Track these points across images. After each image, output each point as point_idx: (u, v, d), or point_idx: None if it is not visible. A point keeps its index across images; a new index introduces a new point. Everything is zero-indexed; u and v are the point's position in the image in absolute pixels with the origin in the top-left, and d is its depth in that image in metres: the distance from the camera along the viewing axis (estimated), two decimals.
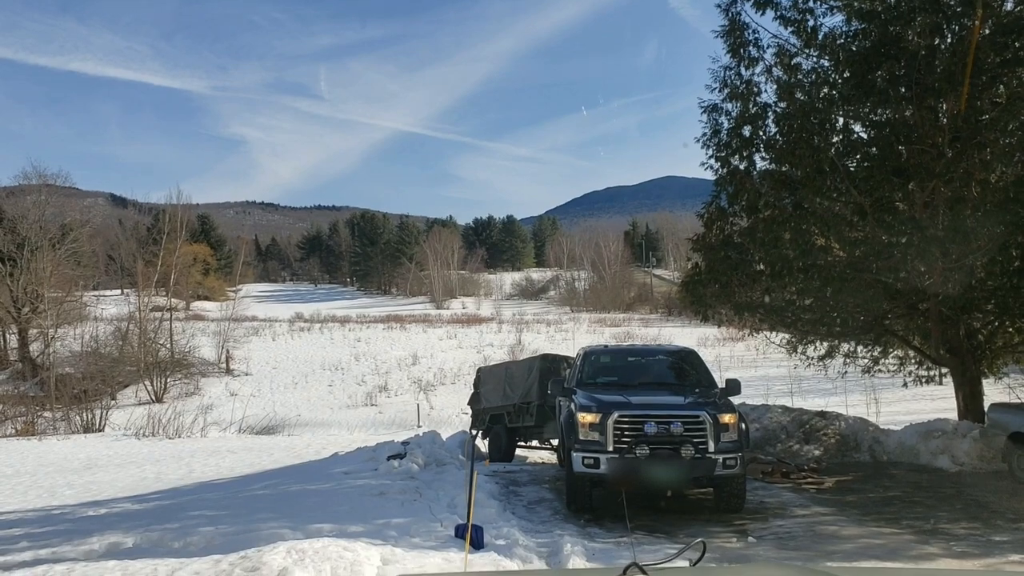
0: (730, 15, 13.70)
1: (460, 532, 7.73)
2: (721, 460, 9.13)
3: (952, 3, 11.75)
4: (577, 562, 7.06)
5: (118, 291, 75.28)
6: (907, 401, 25.51)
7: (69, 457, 21.14)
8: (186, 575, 5.88)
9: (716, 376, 11.45)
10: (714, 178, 14.29)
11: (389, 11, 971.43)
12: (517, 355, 43.43)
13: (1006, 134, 11.45)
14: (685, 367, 11.45)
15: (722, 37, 13.82)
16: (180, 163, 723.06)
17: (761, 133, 13.74)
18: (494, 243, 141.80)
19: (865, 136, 13.35)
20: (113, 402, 36.91)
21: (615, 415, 9.26)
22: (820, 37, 13.29)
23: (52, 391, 36.14)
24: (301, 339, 62.17)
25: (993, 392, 15.61)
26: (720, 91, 13.82)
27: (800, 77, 13.53)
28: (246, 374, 49.54)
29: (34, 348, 46.12)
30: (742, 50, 13.68)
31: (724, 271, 14.00)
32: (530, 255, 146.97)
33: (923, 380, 16.03)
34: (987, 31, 11.51)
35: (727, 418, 9.38)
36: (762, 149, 13.83)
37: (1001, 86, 11.71)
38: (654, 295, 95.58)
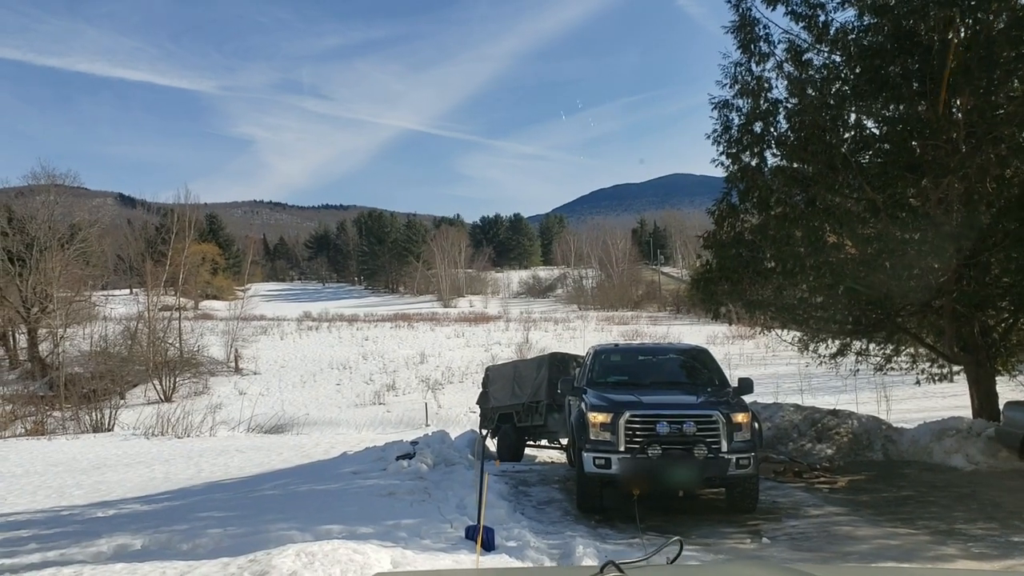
0: (740, 11, 13.56)
1: (470, 534, 7.64)
2: (734, 460, 9.03)
3: None
4: (588, 564, 6.97)
5: (127, 291, 75.35)
6: (917, 399, 25.32)
7: (78, 457, 21.16)
8: None
9: (727, 374, 11.35)
10: (724, 175, 14.16)
11: (394, 11, 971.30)
12: (525, 354, 43.33)
13: (1023, 129, 11.30)
14: (697, 366, 11.34)
15: (732, 33, 13.68)
16: (188, 163, 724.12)
17: (772, 129, 13.61)
18: (501, 241, 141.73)
19: (877, 132, 13.22)
20: (122, 401, 36.97)
21: (627, 415, 9.16)
22: (832, 32, 13.16)
23: (61, 391, 36.19)
24: (309, 338, 62.22)
25: (1006, 390, 15.45)
26: (730, 87, 13.69)
27: (811, 73, 13.39)
28: (255, 373, 49.59)
29: (43, 348, 46.18)
30: (752, 46, 13.53)
31: (735, 268, 13.88)
32: (537, 253, 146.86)
33: (936, 378, 15.88)
34: (1001, 25, 11.36)
35: (740, 417, 9.27)
36: (773, 145, 13.70)
37: (1016, 80, 11.56)
38: (662, 293, 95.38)
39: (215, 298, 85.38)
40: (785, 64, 13.50)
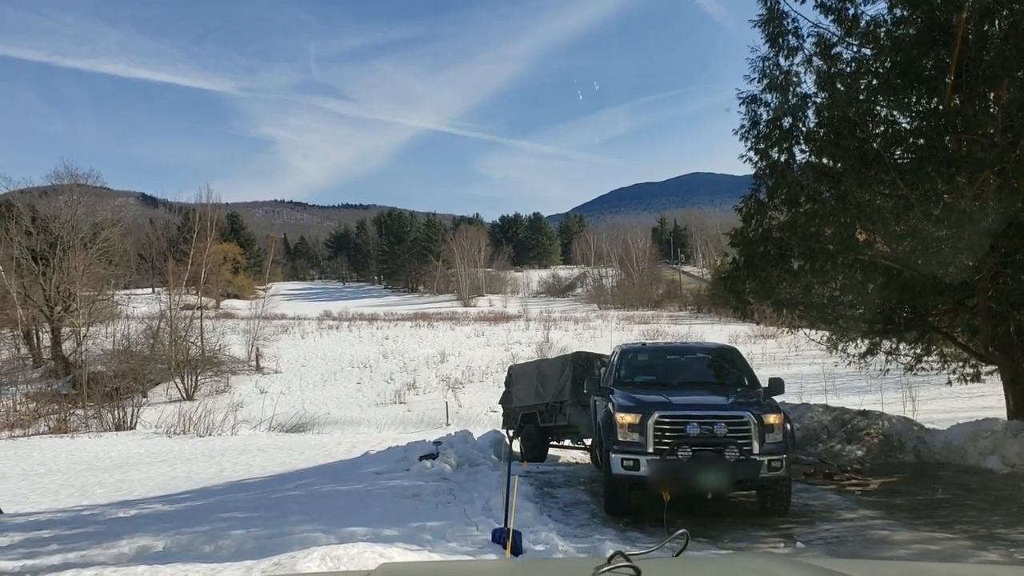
0: (768, 4, 13.28)
1: (496, 537, 7.47)
2: (766, 462, 8.81)
3: None
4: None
5: (149, 289, 75.86)
6: (943, 399, 24.87)
7: (101, 455, 21.20)
8: None
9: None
10: (752, 171, 13.89)
11: (414, 13, 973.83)
12: (545, 353, 43.14)
13: None
14: (726, 365, 11.12)
15: (760, 27, 13.42)
16: (210, 163, 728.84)
17: (801, 125, 13.34)
18: (521, 241, 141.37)
19: (909, 126, 12.93)
20: (144, 400, 37.10)
21: (656, 415, 8.96)
22: (862, 25, 12.88)
23: (84, 389, 36.36)
24: (330, 337, 62.28)
25: None
26: (758, 82, 13.41)
27: (841, 67, 13.12)
28: (276, 372, 49.69)
29: (67, 346, 46.45)
30: (781, 40, 13.26)
31: (763, 266, 13.62)
32: (557, 252, 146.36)
33: (968, 378, 15.56)
34: None
35: (772, 418, 9.05)
36: (802, 141, 13.43)
37: None
38: (683, 292, 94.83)
39: (236, 297, 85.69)
40: (814, 58, 13.22)
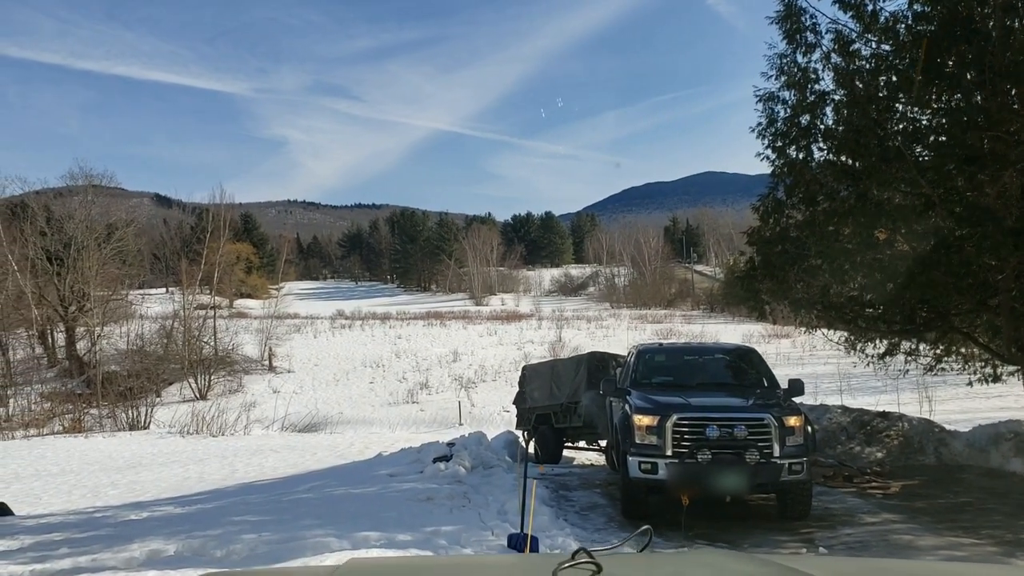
0: (786, 0, 13.13)
1: (513, 542, 7.31)
2: (787, 465, 8.65)
3: None
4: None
5: (163, 289, 76.17)
6: (960, 399, 24.61)
7: (114, 455, 21.19)
8: None
9: None
10: (769, 169, 13.69)
11: (425, 13, 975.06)
12: (558, 352, 42.98)
13: None
14: (745, 366, 10.95)
15: (777, 23, 13.21)
16: (223, 164, 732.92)
17: (819, 122, 13.15)
18: (533, 240, 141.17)
19: (930, 124, 12.71)
20: (158, 399, 37.12)
21: (674, 418, 8.81)
22: (881, 20, 12.67)
23: (98, 389, 36.48)
24: (342, 336, 62.31)
25: None
26: (776, 79, 13.22)
27: (860, 63, 12.92)
28: (288, 371, 49.72)
29: (81, 346, 46.64)
30: (798, 36, 13.04)
31: (780, 265, 13.42)
32: (569, 251, 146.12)
33: (989, 379, 15.31)
34: None
35: (793, 421, 8.89)
36: (820, 139, 13.24)
37: None
38: (695, 291, 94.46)
39: (249, 297, 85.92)
40: (832, 55, 13.02)
